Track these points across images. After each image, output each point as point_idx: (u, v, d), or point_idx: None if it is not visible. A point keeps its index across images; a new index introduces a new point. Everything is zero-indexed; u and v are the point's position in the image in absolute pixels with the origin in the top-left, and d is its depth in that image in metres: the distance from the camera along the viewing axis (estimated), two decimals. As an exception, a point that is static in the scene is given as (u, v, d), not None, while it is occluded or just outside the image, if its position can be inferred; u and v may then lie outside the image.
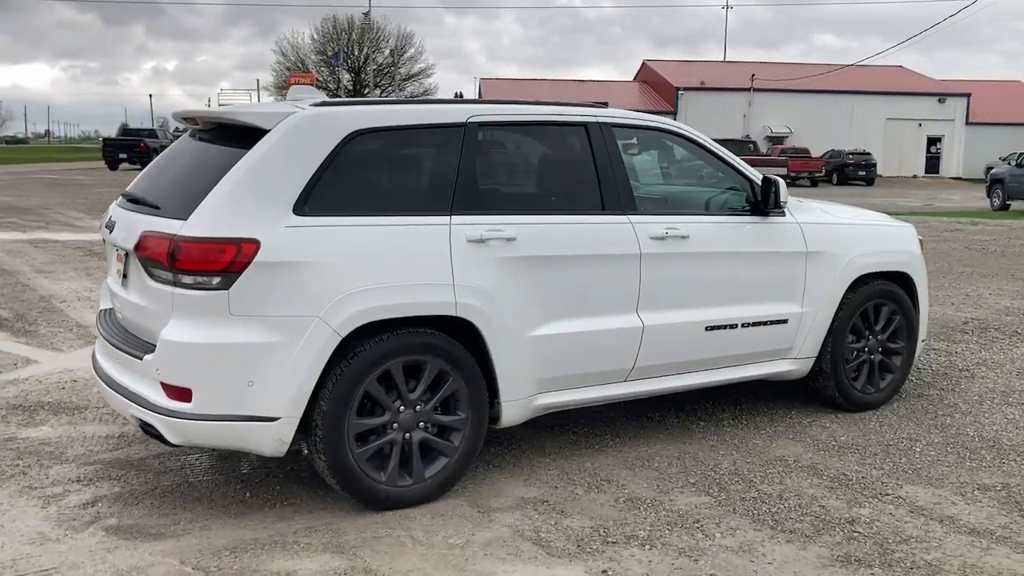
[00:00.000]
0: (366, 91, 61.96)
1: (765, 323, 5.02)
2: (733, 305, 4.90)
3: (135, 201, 4.21)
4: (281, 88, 60.21)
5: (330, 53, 62.86)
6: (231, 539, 3.73)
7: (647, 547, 3.68)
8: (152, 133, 47.27)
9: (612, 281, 4.49)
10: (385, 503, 3.98)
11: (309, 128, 3.93)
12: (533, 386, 4.32)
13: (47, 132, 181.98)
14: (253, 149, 3.84)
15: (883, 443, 4.96)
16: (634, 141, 5.21)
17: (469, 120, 4.26)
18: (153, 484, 4.31)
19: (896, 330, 5.65)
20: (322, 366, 3.75)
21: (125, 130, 53.83)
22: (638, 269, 4.53)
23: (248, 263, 3.64)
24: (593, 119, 4.60)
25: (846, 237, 5.32)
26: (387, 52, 66.30)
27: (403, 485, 4.02)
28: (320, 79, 65.63)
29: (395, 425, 3.99)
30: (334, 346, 3.76)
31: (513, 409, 4.28)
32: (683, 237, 4.68)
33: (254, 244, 3.65)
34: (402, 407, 4.00)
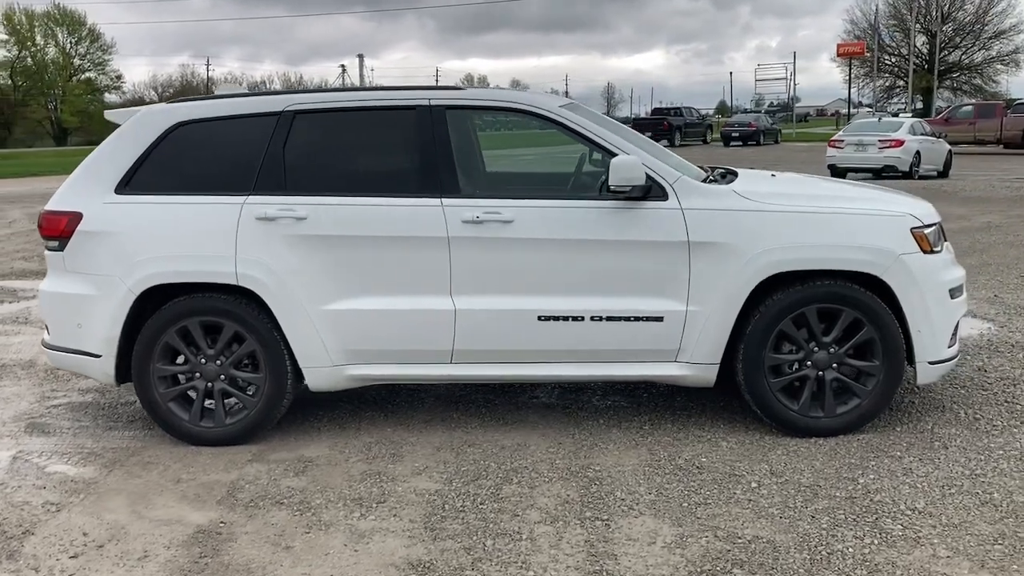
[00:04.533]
0: (943, 54, 57.94)
1: (629, 319, 4.53)
2: (577, 296, 4.52)
3: None
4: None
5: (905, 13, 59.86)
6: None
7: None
8: (678, 112, 49.44)
9: (418, 263, 4.54)
10: (189, 439, 4.70)
11: (144, 121, 4.76)
12: (340, 356, 4.62)
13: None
14: (105, 140, 4.81)
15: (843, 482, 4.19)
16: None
17: (286, 109, 4.68)
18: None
19: (863, 346, 4.55)
20: (123, 318, 4.60)
21: (654, 110, 57.18)
22: (447, 252, 4.51)
23: (74, 231, 4.64)
24: (424, 102, 4.65)
25: (756, 226, 4.45)
26: (971, 9, 60.96)
27: (205, 426, 4.69)
28: (890, 45, 62.97)
29: (198, 374, 4.67)
30: (131, 302, 4.58)
31: (319, 375, 4.65)
32: (505, 221, 4.49)
33: (78, 216, 4.63)
34: (204, 360, 4.66)
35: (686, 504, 3.86)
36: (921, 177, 21.05)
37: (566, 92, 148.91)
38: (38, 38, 75.69)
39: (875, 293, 4.48)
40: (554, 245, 4.50)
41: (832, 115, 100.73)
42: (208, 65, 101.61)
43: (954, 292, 4.61)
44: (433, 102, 4.66)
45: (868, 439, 4.52)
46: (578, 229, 4.50)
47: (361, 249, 4.53)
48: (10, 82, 73.96)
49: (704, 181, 4.76)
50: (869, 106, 60.77)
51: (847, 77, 65.77)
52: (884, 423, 4.71)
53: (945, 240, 4.81)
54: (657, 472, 4.21)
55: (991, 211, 13.94)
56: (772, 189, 4.75)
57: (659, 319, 4.53)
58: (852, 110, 64.91)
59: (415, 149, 4.62)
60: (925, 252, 4.50)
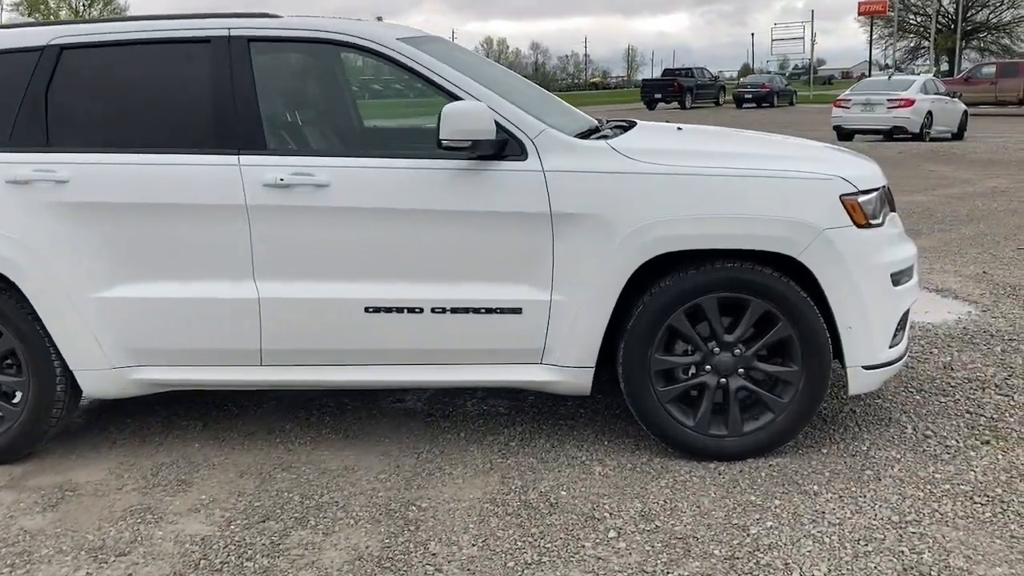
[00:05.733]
0: (970, 13, 55.62)
1: (479, 311, 3.55)
2: (414, 282, 3.56)
3: None
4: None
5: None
6: None
7: None
8: (688, 73, 47.79)
9: (211, 238, 3.58)
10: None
11: None
12: (121, 356, 3.69)
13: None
14: None
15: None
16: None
17: (51, 42, 3.70)
18: None
19: (778, 346, 3.56)
20: None
21: (664, 71, 55.69)
22: (246, 225, 3.55)
23: None
24: (222, 33, 3.66)
25: (637, 193, 3.45)
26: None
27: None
28: (915, 4, 60.88)
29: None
30: None
31: (95, 379, 3.72)
32: (319, 185, 3.51)
33: None
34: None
35: (511, 564, 2.90)
36: (933, 139, 19.77)
37: (585, 55, 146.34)
38: (50, 2, 74.70)
39: (792, 279, 3.49)
40: (383, 217, 3.52)
41: (858, 77, 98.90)
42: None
43: (899, 277, 3.60)
44: (233, 32, 3.66)
45: (782, 465, 3.54)
46: (412, 196, 3.51)
47: (140, 221, 3.58)
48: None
49: (588, 136, 3.75)
50: (889, 67, 58.79)
51: (870, 38, 63.69)
52: (809, 442, 3.73)
53: (892, 210, 3.78)
54: (496, 511, 3.25)
55: (998, 175, 12.77)
56: (665, 146, 3.73)
57: (516, 311, 3.55)
58: (875, 72, 63.00)
59: (209, 92, 3.63)
60: (859, 226, 3.48)
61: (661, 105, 42.73)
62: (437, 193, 3.49)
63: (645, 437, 3.74)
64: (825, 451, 3.66)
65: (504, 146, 3.47)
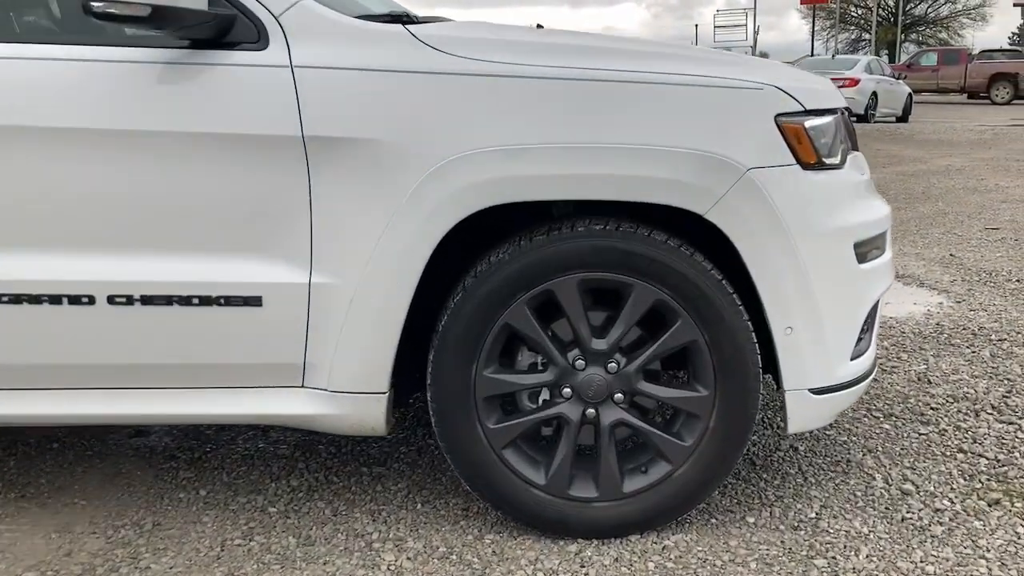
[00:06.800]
0: (909, 7, 55.63)
1: (189, 301, 2.15)
2: (77, 252, 2.14)
3: None
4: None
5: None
6: None
7: None
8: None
9: None
10: None
11: None
12: None
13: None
14: None
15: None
16: None
17: None
18: None
19: (678, 357, 2.25)
20: None
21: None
22: None
23: None
24: None
25: (451, 106, 2.08)
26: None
27: None
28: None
29: None
30: None
31: None
32: (-84, 90, 2.08)
33: None
34: None
35: None
36: (878, 121, 18.82)
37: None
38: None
39: (699, 251, 2.16)
40: (20, 142, 2.09)
41: (800, 59, 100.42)
42: None
43: (866, 249, 2.30)
44: None
45: (684, 546, 2.21)
46: (69, 108, 2.09)
47: None
48: None
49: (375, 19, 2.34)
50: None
51: (812, 29, 63.42)
52: (726, 504, 2.42)
53: (853, 149, 2.47)
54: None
55: (952, 154, 11.72)
56: (495, 36, 2.33)
57: (253, 302, 2.16)
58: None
59: None
60: (806, 165, 2.16)
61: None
62: (112, 104, 2.08)
63: (474, 501, 2.39)
64: (752, 520, 2.34)
65: (229, 26, 2.08)
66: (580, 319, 2.17)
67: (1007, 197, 7.87)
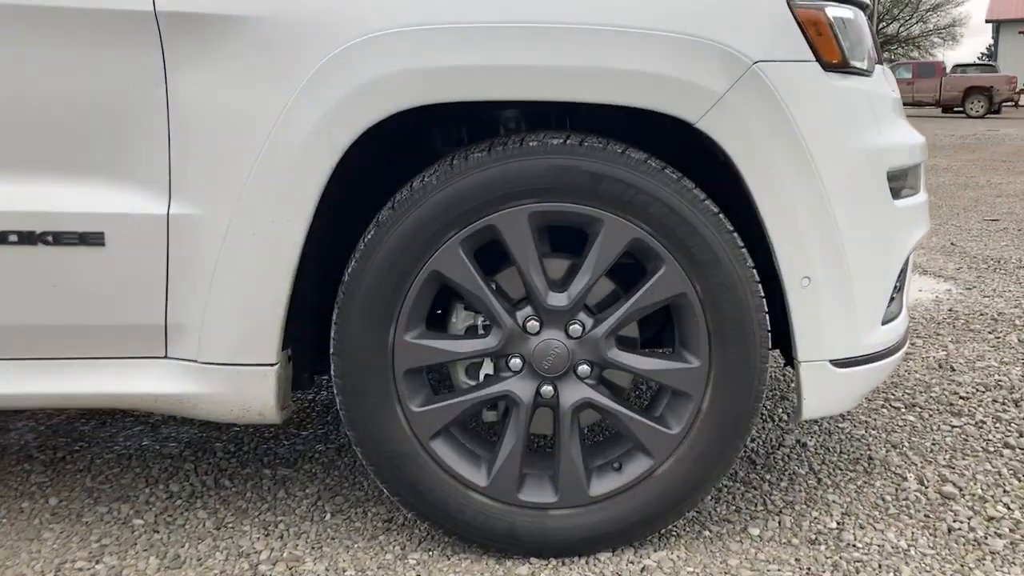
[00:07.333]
0: (881, 25, 55.85)
1: (6, 239, 1.60)
2: None
3: None
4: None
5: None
6: None
7: None
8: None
9: None
10: None
11: None
12: None
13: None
14: None
15: None
16: None
17: None
18: None
19: (661, 317, 1.72)
20: None
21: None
22: None
23: None
24: None
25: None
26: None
27: None
28: None
29: None
30: None
31: None
32: None
33: None
34: None
35: None
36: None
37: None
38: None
39: (688, 175, 1.63)
40: None
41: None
42: None
43: (899, 182, 1.78)
44: None
45: (670, 570, 1.67)
46: None
47: None
48: None
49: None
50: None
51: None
52: (722, 511, 1.88)
53: (880, 61, 1.95)
54: None
55: (937, 156, 11.35)
56: None
57: (94, 239, 1.61)
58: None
59: None
60: (827, 65, 1.64)
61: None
62: None
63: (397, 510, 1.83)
64: (756, 532, 1.81)
65: None
66: (533, 266, 1.63)
67: (1001, 192, 7.47)
